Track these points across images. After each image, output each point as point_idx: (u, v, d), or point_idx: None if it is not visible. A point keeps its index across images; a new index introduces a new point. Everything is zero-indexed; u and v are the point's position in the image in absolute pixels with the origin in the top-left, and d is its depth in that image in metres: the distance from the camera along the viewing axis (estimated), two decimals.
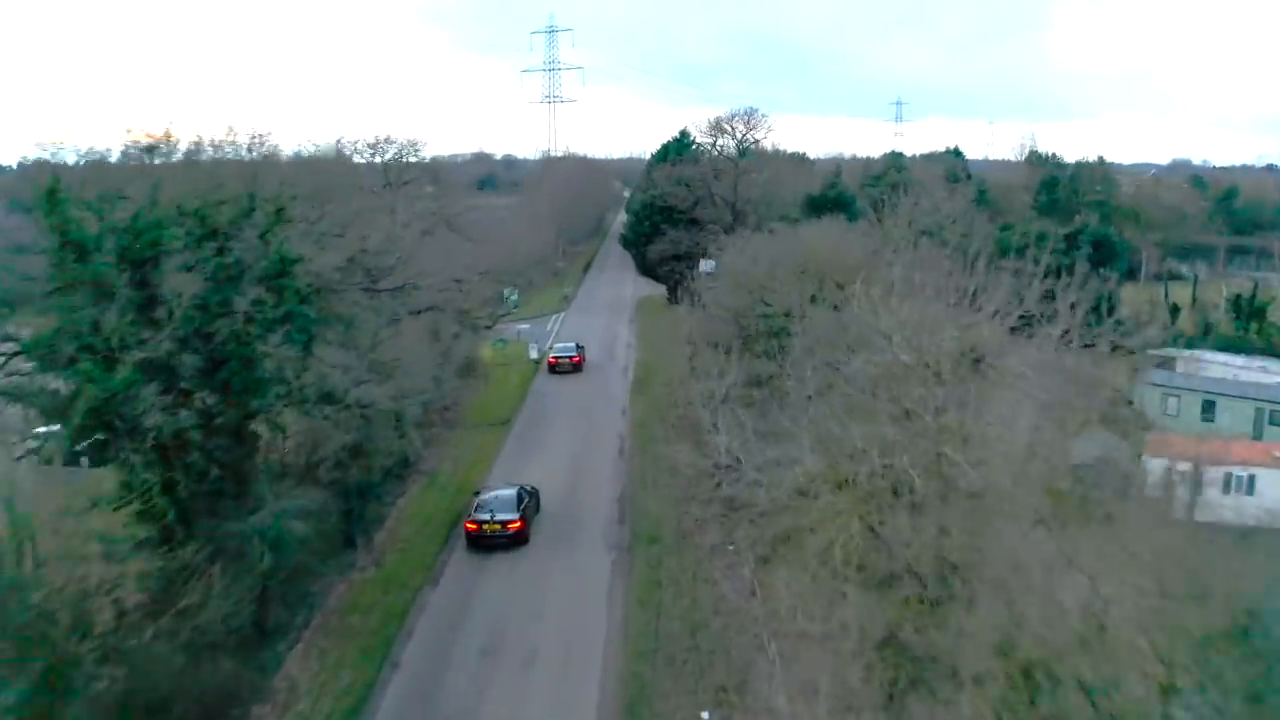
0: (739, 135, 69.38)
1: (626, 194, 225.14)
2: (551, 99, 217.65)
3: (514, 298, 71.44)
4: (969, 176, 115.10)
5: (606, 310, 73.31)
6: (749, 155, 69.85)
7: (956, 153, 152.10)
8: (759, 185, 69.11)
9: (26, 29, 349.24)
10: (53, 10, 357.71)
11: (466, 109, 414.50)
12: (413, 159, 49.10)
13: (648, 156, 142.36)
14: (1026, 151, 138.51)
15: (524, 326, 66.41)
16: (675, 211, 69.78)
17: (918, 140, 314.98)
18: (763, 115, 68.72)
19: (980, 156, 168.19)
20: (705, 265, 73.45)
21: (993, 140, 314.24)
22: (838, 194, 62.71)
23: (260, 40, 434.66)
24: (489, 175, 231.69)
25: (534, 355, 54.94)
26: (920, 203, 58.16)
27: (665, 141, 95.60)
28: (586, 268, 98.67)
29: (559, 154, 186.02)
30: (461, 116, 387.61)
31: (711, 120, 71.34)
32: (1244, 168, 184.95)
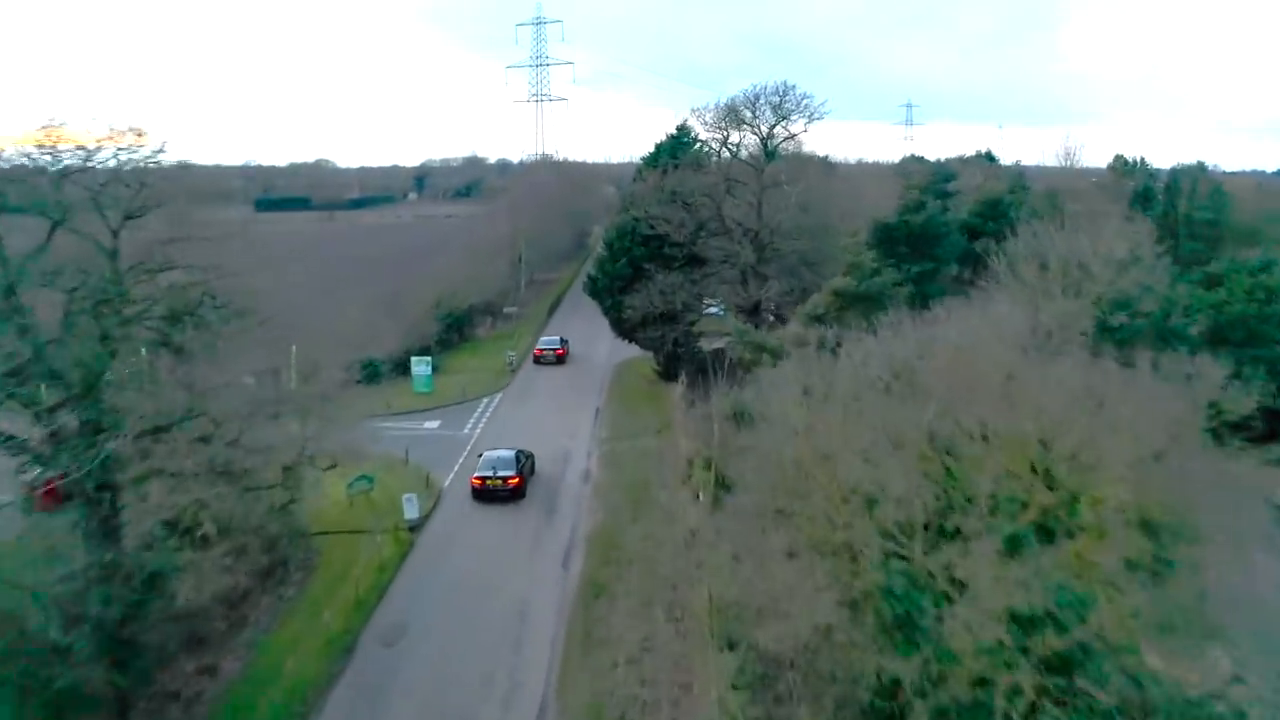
0: (764, 129, 44.74)
1: None
2: (540, 97, 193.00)
3: (425, 373, 46.98)
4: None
5: (566, 387, 48.94)
6: (777, 158, 45.35)
7: (989, 157, 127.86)
8: (793, 205, 44.77)
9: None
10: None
11: (465, 111, 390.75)
12: (151, 164, 24.69)
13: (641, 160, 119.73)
14: (1067, 154, 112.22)
15: (432, 425, 41.95)
16: (667, 244, 45.33)
17: (927, 144, 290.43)
18: (802, 96, 44.03)
19: (1010, 161, 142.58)
20: (711, 308, 49.57)
21: (1003, 143, 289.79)
22: (929, 221, 38.29)
23: (259, 50, 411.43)
24: (477, 180, 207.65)
25: (413, 513, 30.40)
26: (1077, 242, 33.72)
27: (659, 141, 71.47)
28: (553, 308, 73.51)
29: (540, 157, 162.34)
30: (460, 119, 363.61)
31: (723, 105, 46.43)
32: (1256, 173, 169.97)
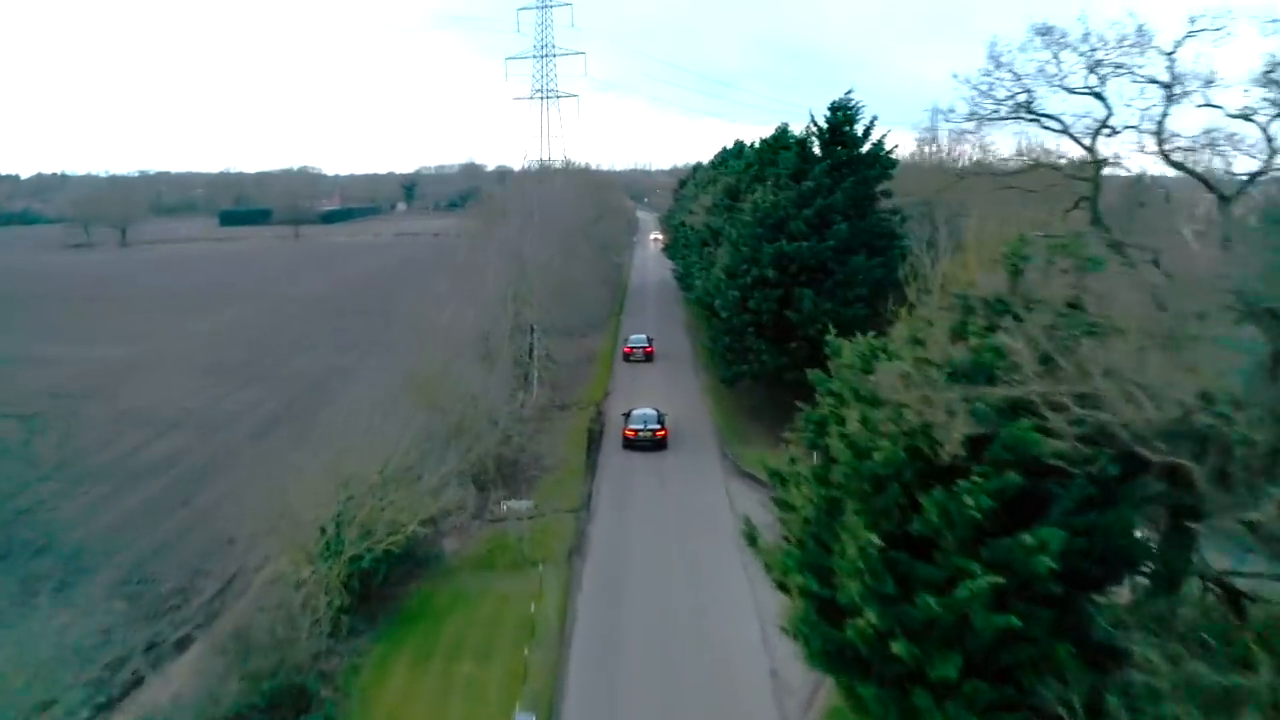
0: None
1: (641, 215, 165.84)
2: (545, 93, 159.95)
3: None
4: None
5: None
6: None
7: None
8: None
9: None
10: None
11: (464, 114, 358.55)
12: None
13: (659, 168, 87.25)
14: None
15: None
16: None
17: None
18: None
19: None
20: None
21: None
22: None
23: (250, 52, 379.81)
24: (473, 189, 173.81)
25: None
26: None
27: (764, 141, 39.37)
28: (592, 446, 38.79)
29: (547, 161, 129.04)
30: (458, 123, 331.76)
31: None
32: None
